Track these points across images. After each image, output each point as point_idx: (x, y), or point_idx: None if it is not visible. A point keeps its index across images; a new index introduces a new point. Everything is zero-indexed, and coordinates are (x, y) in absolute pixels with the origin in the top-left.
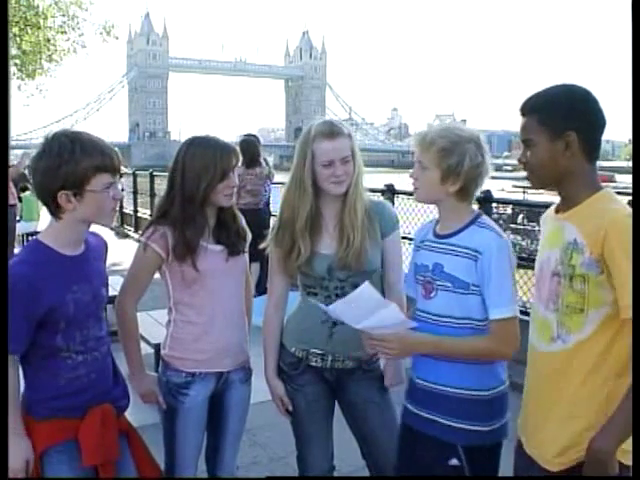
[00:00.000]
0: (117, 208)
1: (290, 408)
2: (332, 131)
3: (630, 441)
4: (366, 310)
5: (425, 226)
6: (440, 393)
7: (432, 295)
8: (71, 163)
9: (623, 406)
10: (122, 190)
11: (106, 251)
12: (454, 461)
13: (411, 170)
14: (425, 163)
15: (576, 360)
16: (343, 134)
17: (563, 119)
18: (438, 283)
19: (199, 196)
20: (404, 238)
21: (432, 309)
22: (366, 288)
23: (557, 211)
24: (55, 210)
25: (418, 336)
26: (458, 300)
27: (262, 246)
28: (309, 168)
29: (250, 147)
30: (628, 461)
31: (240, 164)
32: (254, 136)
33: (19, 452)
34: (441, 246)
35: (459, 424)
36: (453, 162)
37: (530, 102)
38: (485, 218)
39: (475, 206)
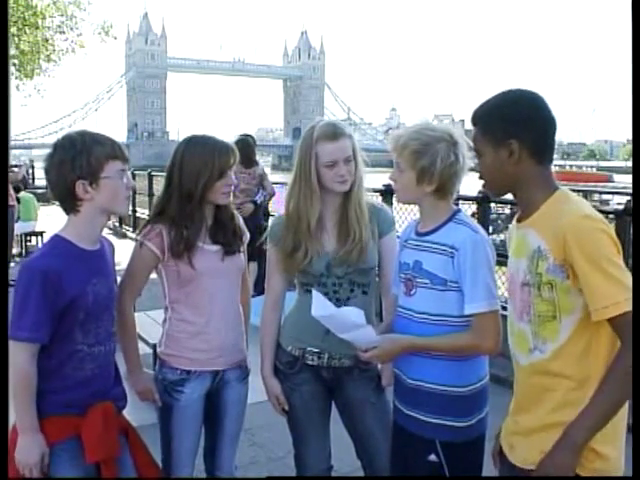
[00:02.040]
0: (130, 197)
1: (286, 407)
2: (335, 132)
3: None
4: (346, 327)
5: (409, 225)
6: (419, 389)
7: (412, 292)
8: (84, 153)
9: (595, 400)
10: None
11: (113, 252)
12: (432, 457)
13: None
14: (401, 165)
15: (556, 368)
16: (345, 135)
17: (502, 128)
18: (418, 280)
19: (197, 194)
20: None
21: (412, 306)
22: (342, 312)
23: (519, 220)
24: (73, 204)
25: (400, 341)
26: (436, 297)
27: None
28: (314, 169)
29: (245, 147)
30: (601, 448)
31: (237, 163)
32: (250, 136)
33: (36, 447)
34: (421, 244)
35: (437, 420)
36: (426, 164)
37: (474, 113)
38: (462, 214)
39: (474, 206)
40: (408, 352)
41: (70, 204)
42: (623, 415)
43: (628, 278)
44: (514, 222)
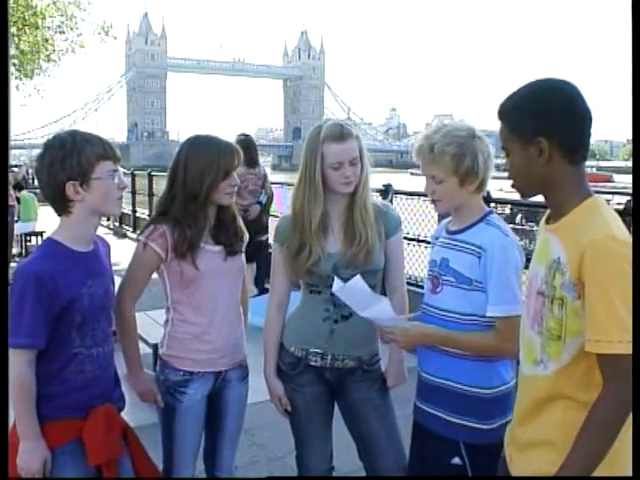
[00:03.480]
0: (122, 197)
1: (289, 408)
2: (342, 133)
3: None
4: (362, 302)
5: (442, 223)
6: (444, 387)
7: (438, 290)
8: (74, 153)
9: (583, 440)
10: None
11: (109, 251)
12: (456, 460)
13: (411, 170)
14: (439, 176)
15: (556, 387)
16: (352, 136)
17: (530, 124)
18: (444, 278)
19: (202, 194)
20: (403, 238)
21: (438, 303)
22: (357, 281)
23: (547, 221)
24: (64, 205)
25: (423, 329)
26: (462, 295)
27: (263, 238)
28: (319, 170)
29: (250, 146)
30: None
31: (242, 163)
32: (248, 136)
33: (38, 453)
34: (450, 242)
35: (460, 420)
36: (469, 164)
37: (501, 106)
38: (494, 217)
39: None
40: (429, 342)
41: (61, 205)
42: (624, 446)
43: (630, 317)
44: (542, 221)
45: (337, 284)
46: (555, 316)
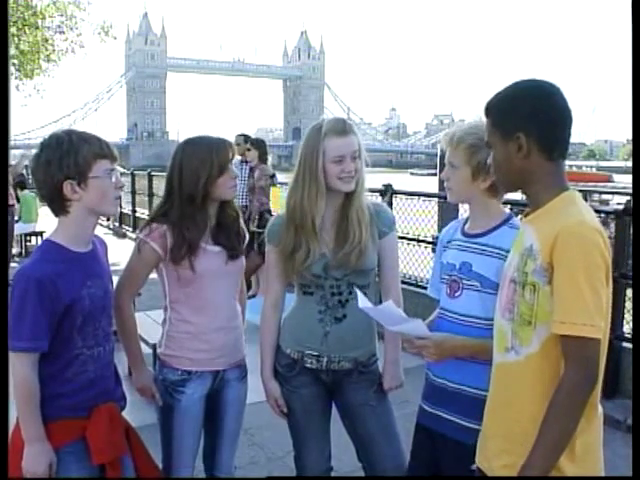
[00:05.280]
0: (120, 197)
1: (285, 410)
2: (344, 128)
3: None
4: (392, 321)
5: (452, 226)
6: (460, 393)
7: (457, 294)
8: (71, 152)
9: (544, 430)
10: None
11: (107, 251)
12: (475, 465)
13: (411, 170)
14: (455, 162)
15: (528, 375)
16: (353, 132)
17: (511, 120)
18: (465, 282)
19: (199, 193)
20: (402, 238)
21: (457, 308)
22: (388, 305)
23: (526, 215)
24: (61, 204)
25: (457, 341)
26: (485, 300)
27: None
28: (321, 165)
29: (265, 145)
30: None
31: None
32: (247, 136)
33: (44, 456)
34: (470, 245)
35: (479, 426)
36: (482, 158)
37: (487, 103)
38: (516, 220)
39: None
40: (460, 355)
41: (58, 205)
42: (594, 434)
43: (597, 302)
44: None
45: (362, 301)
46: (526, 301)
